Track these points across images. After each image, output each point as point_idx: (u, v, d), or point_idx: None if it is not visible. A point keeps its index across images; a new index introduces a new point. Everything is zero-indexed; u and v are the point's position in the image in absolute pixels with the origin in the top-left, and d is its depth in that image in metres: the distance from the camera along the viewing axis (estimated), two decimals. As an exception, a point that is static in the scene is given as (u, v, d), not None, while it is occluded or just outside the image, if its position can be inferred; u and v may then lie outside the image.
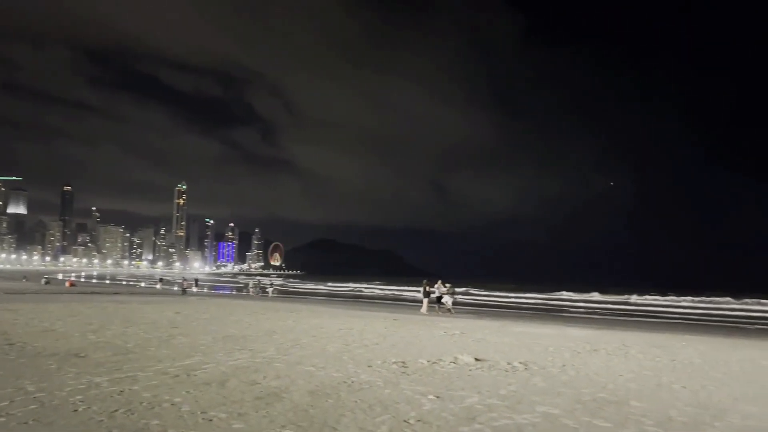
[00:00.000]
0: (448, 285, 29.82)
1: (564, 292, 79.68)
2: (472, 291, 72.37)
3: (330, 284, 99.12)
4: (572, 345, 14.37)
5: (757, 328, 30.52)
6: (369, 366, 9.69)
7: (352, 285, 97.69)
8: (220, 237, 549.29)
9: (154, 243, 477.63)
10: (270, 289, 51.22)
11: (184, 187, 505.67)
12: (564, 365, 10.82)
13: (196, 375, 8.29)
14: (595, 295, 72.77)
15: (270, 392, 7.24)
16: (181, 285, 52.37)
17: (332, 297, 55.67)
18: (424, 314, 27.16)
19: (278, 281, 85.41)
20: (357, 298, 53.28)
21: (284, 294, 60.73)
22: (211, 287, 74.71)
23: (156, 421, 5.69)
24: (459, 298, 44.94)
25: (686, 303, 61.08)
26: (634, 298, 67.95)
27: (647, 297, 70.49)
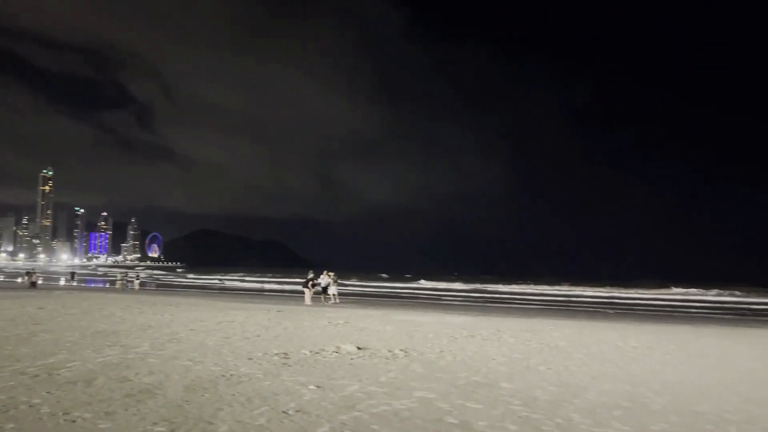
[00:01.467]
0: (332, 274, 29.90)
1: (445, 283, 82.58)
2: (358, 281, 73.13)
3: (212, 276, 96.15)
4: (450, 332, 14.94)
5: (616, 312, 33.33)
6: (249, 358, 9.51)
7: (236, 276, 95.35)
8: (91, 227, 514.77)
9: (15, 233, 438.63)
10: (136, 282, 48.41)
11: (51, 173, 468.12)
12: (442, 351, 11.22)
13: (59, 374, 7.72)
14: (484, 284, 76.12)
15: (142, 389, 6.90)
16: (29, 278, 45.52)
17: (214, 289, 54.00)
18: (309, 305, 27.09)
19: (144, 274, 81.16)
20: (240, 290, 52.06)
21: (163, 287, 58.11)
22: (81, 281, 69.86)
23: (11, 425, 5.24)
24: (345, 288, 45.30)
25: (556, 291, 65.51)
26: (514, 287, 71.83)
27: (522, 285, 74.74)
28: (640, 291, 64.81)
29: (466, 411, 6.40)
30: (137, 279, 50.24)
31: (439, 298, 46.23)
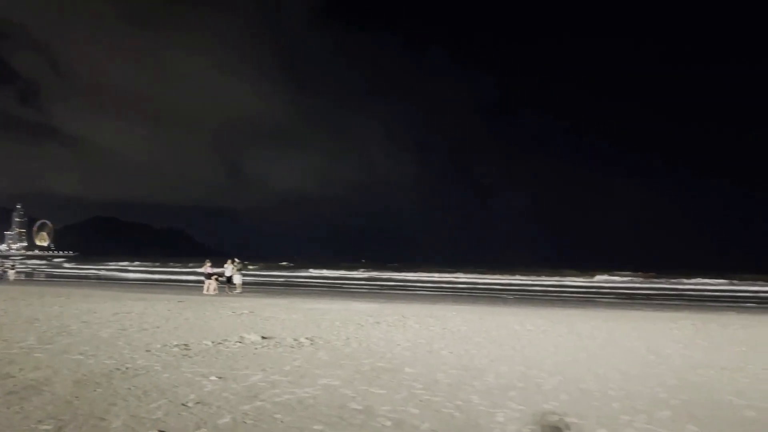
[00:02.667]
0: (237, 262, 29.25)
1: (353, 271, 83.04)
2: (264, 269, 72.06)
3: (109, 265, 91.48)
4: (357, 319, 15.06)
5: (515, 297, 34.85)
6: (147, 350, 9.14)
7: (134, 266, 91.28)
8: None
9: None
10: (11, 273, 45.05)
11: None
12: (348, 338, 11.30)
13: (-70, 373, 7.08)
14: (392, 272, 77.07)
15: (27, 385, 6.46)
16: None
17: (110, 280, 51.41)
18: (211, 294, 26.39)
19: (24, 264, 75.68)
20: (140, 281, 49.88)
21: (53, 278, 54.65)
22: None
23: None
24: (251, 277, 44.46)
25: (462, 278, 67.52)
26: (421, 274, 73.30)
27: (429, 272, 76.45)
28: (546, 278, 68.08)
29: (370, 396, 6.48)
30: (12, 269, 46.79)
31: (346, 285, 46.42)
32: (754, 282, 59.50)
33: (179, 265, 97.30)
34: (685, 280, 63.28)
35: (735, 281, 62.05)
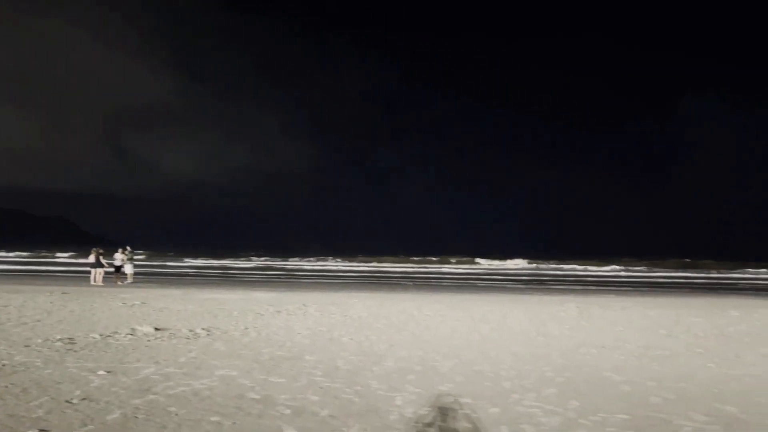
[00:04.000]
0: (128, 250, 27.83)
1: (253, 260, 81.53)
2: (157, 259, 69.17)
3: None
4: (257, 308, 14.81)
5: (414, 284, 35.62)
6: (27, 346, 8.52)
7: (11, 256, 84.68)
8: None
9: None
10: None
11: None
12: (247, 328, 11.09)
13: None
14: (292, 261, 76.27)
15: None
16: None
17: (-15, 271, 47.32)
18: (99, 285, 24.99)
19: None
20: (19, 272, 46.29)
21: None
22: None
23: None
24: (144, 267, 42.48)
25: (363, 266, 68.10)
26: (324, 262, 73.12)
27: (330, 260, 76.46)
28: (444, 265, 70.01)
29: (269, 386, 6.41)
30: None
31: (246, 275, 45.49)
32: (632, 267, 64.43)
33: (64, 254, 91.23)
34: (577, 266, 67.30)
35: (621, 266, 66.82)
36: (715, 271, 57.63)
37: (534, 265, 70.62)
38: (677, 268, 64.16)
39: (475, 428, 5.15)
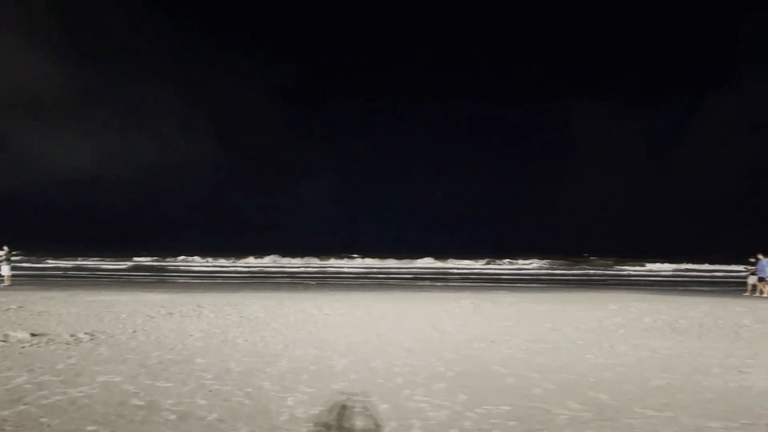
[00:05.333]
0: (5, 250, 25.77)
1: (148, 259, 78.10)
2: (41, 258, 64.64)
3: None
4: (147, 310, 14.19)
5: (317, 283, 35.43)
6: None
7: None
8: None
9: None
10: None
11: None
12: (135, 331, 10.59)
13: None
14: (196, 259, 73.57)
15: None
16: None
17: None
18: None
19: None
20: None
21: None
22: None
23: None
24: (23, 267, 39.49)
25: (262, 264, 66.96)
26: (221, 261, 71.10)
27: (228, 259, 74.56)
28: (350, 263, 70.06)
29: (155, 391, 6.16)
30: None
31: (139, 275, 43.42)
32: (514, 261, 67.52)
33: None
34: (476, 263, 69.56)
35: (515, 261, 69.81)
36: (604, 268, 61.54)
37: (441, 264, 72.41)
38: (573, 264, 67.93)
39: (364, 425, 5.21)
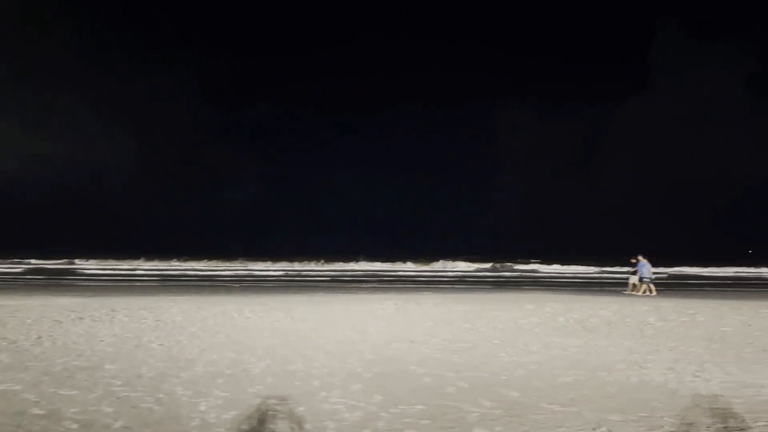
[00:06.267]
0: None
1: (59, 261, 74.25)
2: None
3: None
4: (56, 314, 13.50)
5: (241, 285, 34.76)
6: None
7: None
8: None
9: None
10: None
11: None
12: (40, 337, 10.06)
13: None
14: (109, 262, 70.43)
15: None
16: None
17: None
18: None
19: None
20: None
21: None
22: None
23: None
24: None
25: (187, 268, 65.06)
26: (140, 263, 68.52)
27: (146, 261, 72.02)
28: (275, 265, 69.02)
29: (58, 399, 5.89)
30: None
31: (48, 278, 41.20)
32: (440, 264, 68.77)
33: None
34: (409, 265, 70.12)
35: (444, 263, 70.96)
36: (525, 269, 63.51)
37: (367, 266, 72.59)
38: (497, 265, 69.71)
39: (278, 428, 5.17)
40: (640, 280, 23.34)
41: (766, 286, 33.78)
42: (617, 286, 28.50)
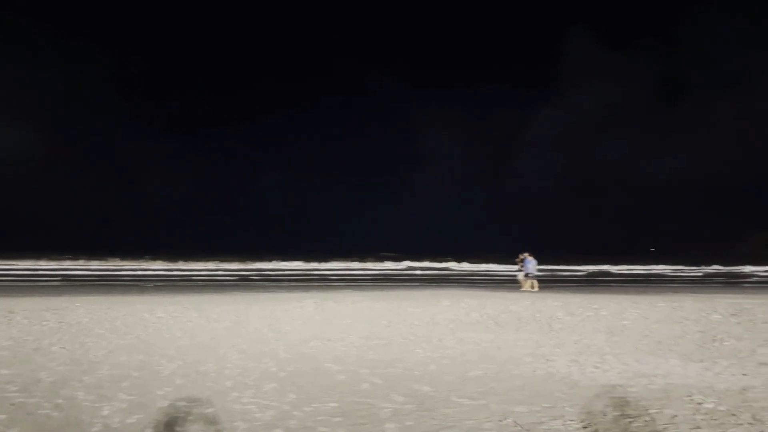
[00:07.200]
0: None
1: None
2: None
3: None
4: (-54, 318, 12.53)
5: (155, 285, 33.52)
6: None
7: None
8: None
9: None
10: None
11: None
12: (-74, 342, 9.31)
13: None
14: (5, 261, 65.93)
15: None
16: None
17: None
18: None
19: None
20: None
21: None
22: None
23: None
24: None
25: (96, 268, 62.01)
26: (40, 263, 64.66)
27: (49, 261, 68.17)
28: (191, 265, 66.89)
29: (-58, 408, 5.47)
30: None
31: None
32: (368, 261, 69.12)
33: None
34: (325, 264, 69.81)
35: (364, 261, 71.13)
36: (440, 267, 64.78)
37: (286, 264, 71.79)
38: (415, 263, 70.69)
39: (185, 431, 5.04)
40: (526, 275, 24.40)
41: (663, 281, 36.11)
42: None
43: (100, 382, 6.72)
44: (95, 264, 64.94)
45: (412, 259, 73.07)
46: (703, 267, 57.41)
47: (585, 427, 5.23)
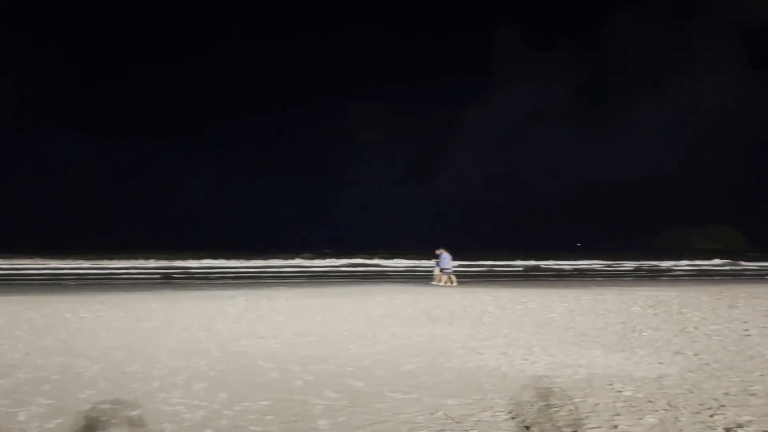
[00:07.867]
0: None
1: None
2: None
3: None
4: None
5: (78, 283, 32.08)
6: None
7: None
8: None
9: None
10: None
11: None
12: None
13: None
14: None
15: None
16: None
17: None
18: None
19: None
20: None
21: None
22: None
23: None
24: None
25: (14, 265, 58.73)
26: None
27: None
28: (120, 262, 64.30)
29: None
30: None
31: None
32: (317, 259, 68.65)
33: None
34: (261, 261, 68.70)
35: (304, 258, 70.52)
36: (373, 264, 65.08)
37: (216, 262, 70.22)
38: (349, 259, 70.66)
39: (109, 434, 4.86)
40: (441, 270, 24.95)
41: (588, 275, 37.57)
42: (465, 278, 30.15)
43: (17, 386, 6.39)
44: (13, 263, 61.56)
45: (347, 256, 73.01)
46: (624, 262, 60.11)
47: (513, 418, 5.39)
